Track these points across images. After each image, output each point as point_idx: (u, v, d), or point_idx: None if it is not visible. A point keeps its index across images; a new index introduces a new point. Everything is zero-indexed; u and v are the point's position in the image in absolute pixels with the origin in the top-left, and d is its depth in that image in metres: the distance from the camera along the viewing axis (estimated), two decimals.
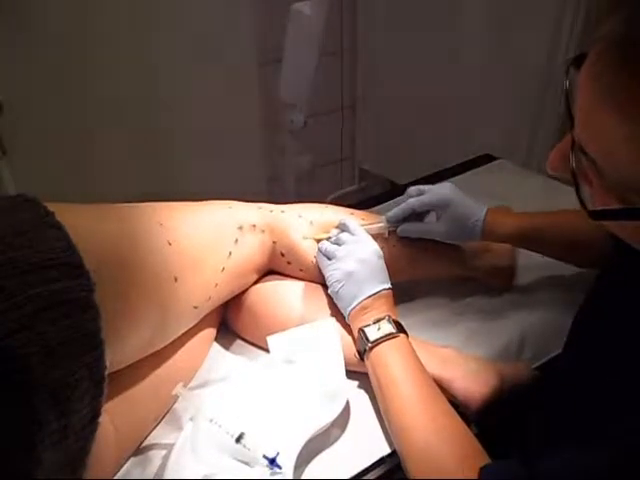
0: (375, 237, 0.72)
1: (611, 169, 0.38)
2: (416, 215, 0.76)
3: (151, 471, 0.59)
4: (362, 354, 0.64)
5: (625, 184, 0.38)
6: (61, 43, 1.15)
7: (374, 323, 0.64)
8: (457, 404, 0.62)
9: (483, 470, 0.48)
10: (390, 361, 0.61)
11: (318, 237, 0.73)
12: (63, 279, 0.41)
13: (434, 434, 0.54)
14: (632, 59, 0.35)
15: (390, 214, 0.76)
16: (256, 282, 0.76)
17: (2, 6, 1.05)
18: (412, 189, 0.77)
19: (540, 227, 0.75)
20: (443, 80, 1.62)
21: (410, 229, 0.76)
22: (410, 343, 0.64)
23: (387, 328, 0.63)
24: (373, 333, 0.63)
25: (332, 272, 0.68)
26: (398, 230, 0.76)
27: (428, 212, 0.76)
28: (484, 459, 0.51)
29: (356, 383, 0.68)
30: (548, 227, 0.75)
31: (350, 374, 0.67)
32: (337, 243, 0.71)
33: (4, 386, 0.36)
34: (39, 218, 0.43)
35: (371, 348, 0.63)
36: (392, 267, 0.70)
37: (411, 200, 0.75)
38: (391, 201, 1.03)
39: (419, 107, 1.72)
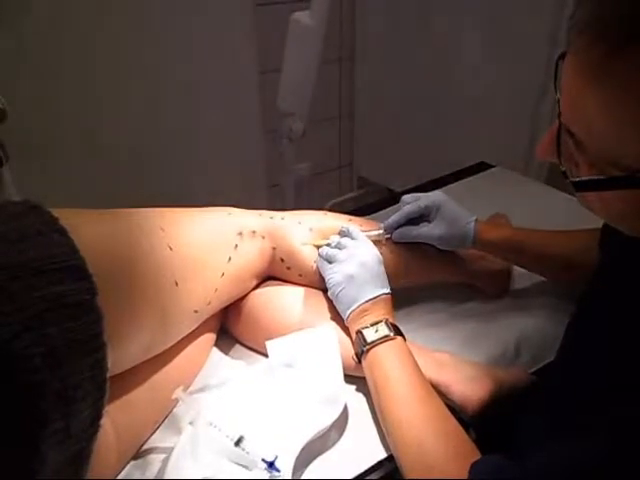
0: (373, 244, 0.73)
1: (592, 144, 0.40)
2: (411, 221, 0.77)
3: (151, 474, 0.60)
4: (359, 356, 0.65)
5: (605, 158, 0.39)
6: (62, 48, 1.16)
7: (372, 325, 0.65)
8: (454, 408, 0.63)
9: (474, 465, 0.49)
10: (386, 362, 0.62)
11: (317, 243, 0.74)
12: (66, 282, 0.42)
13: (428, 432, 0.55)
14: (605, 38, 0.36)
15: (387, 222, 0.77)
16: (256, 287, 0.77)
17: (4, 12, 1.06)
18: (407, 197, 0.79)
19: (520, 239, 0.77)
20: (440, 89, 1.64)
21: (404, 233, 0.77)
22: (407, 346, 0.64)
23: (384, 330, 0.64)
24: (370, 335, 0.64)
25: (332, 275, 0.69)
26: (393, 236, 0.77)
27: (423, 220, 0.78)
28: (477, 458, 0.51)
29: (354, 387, 0.69)
30: (528, 239, 0.77)
31: (348, 378, 0.67)
32: (338, 247, 0.72)
33: (8, 386, 0.37)
34: (44, 223, 0.44)
35: (368, 349, 0.63)
36: (390, 273, 0.71)
37: (406, 207, 0.77)
38: (389, 208, 1.04)
39: (416, 115, 1.74)
